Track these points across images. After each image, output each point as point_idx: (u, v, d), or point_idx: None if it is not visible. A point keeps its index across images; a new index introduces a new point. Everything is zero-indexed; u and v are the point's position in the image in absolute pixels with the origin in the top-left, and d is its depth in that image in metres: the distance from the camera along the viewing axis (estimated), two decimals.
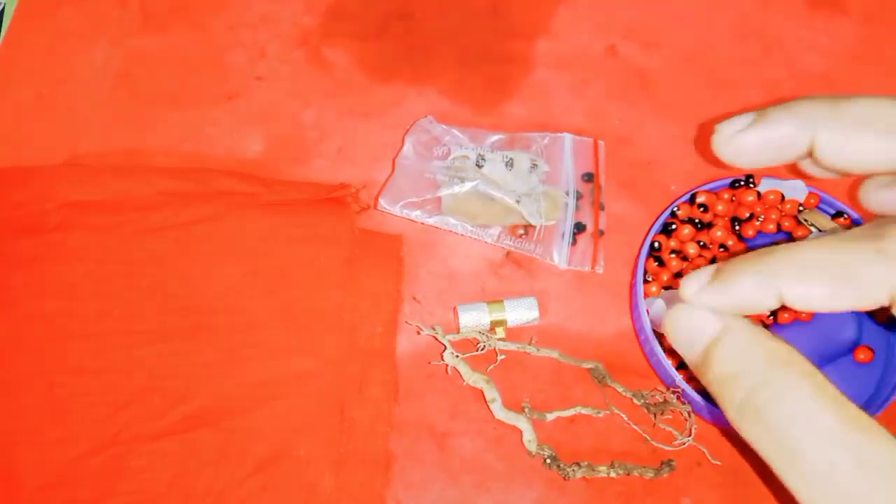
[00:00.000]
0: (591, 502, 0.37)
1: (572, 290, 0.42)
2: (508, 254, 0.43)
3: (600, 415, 0.38)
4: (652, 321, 0.38)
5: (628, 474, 0.37)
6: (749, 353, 0.18)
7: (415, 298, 0.42)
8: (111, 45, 0.48)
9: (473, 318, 0.40)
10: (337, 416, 0.37)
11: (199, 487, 0.35)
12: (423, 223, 0.42)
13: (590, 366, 0.39)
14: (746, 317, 0.19)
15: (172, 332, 0.38)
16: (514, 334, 0.41)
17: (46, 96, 0.47)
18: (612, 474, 0.37)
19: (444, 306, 0.41)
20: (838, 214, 0.41)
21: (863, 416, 0.17)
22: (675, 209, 0.41)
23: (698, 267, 0.39)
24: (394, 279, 0.41)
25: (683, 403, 0.37)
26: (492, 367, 0.39)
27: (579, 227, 0.43)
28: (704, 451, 0.37)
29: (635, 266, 0.41)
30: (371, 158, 0.45)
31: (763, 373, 0.18)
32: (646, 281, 0.40)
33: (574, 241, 0.42)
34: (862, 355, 0.39)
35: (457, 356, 0.39)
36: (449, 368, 0.39)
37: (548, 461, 0.37)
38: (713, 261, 0.40)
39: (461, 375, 0.38)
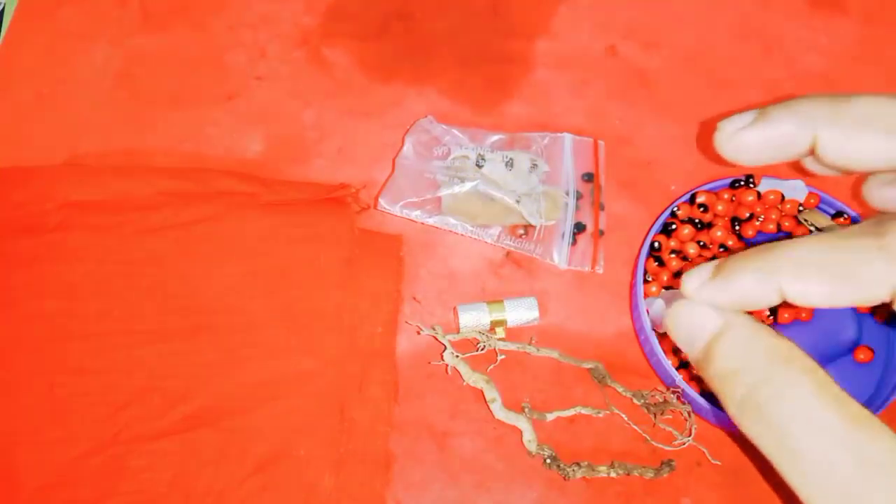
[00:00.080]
0: (591, 502, 0.37)
1: (572, 290, 0.42)
2: (508, 254, 0.43)
3: (600, 415, 0.38)
4: (652, 321, 0.38)
5: (628, 474, 0.37)
6: (750, 349, 0.18)
7: (415, 298, 0.42)
8: (111, 45, 0.48)
9: (473, 318, 0.40)
10: (337, 416, 0.37)
11: (199, 487, 0.35)
12: (423, 223, 0.42)
13: (590, 366, 0.39)
14: (748, 313, 0.19)
15: (172, 332, 0.38)
16: (514, 334, 0.41)
17: (46, 96, 0.47)
18: (612, 474, 0.37)
19: (444, 306, 0.41)
20: (838, 214, 0.41)
21: (864, 413, 0.17)
22: (675, 209, 0.41)
23: None
24: (394, 279, 0.41)
25: (683, 403, 0.37)
26: (492, 367, 0.39)
27: (579, 227, 0.43)
28: (704, 451, 0.37)
29: (635, 266, 0.41)
30: (371, 158, 0.45)
31: (764, 369, 0.18)
32: (646, 281, 0.40)
33: (574, 241, 0.42)
34: (862, 355, 0.39)
35: (457, 356, 0.39)
36: (449, 368, 0.39)
37: (548, 461, 0.37)
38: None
39: (461, 375, 0.38)
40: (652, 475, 0.37)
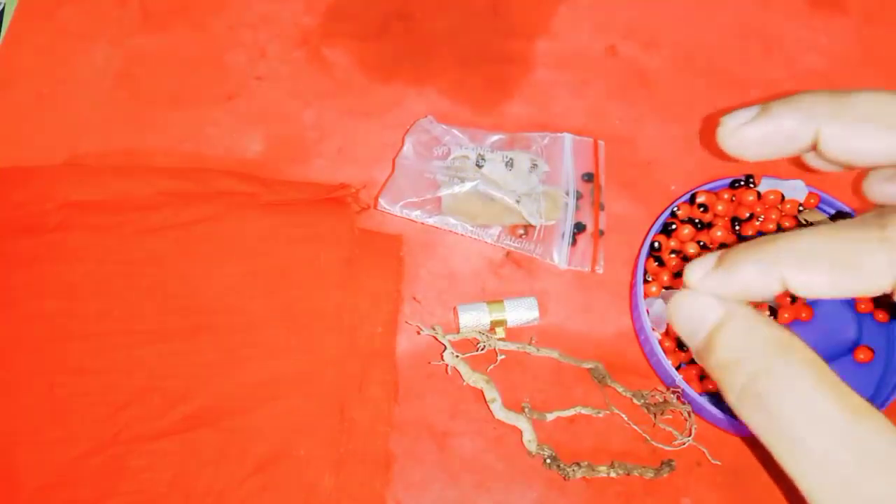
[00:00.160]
0: (591, 502, 0.37)
1: (572, 290, 0.42)
2: (508, 254, 0.43)
3: (600, 415, 0.38)
4: (652, 321, 0.38)
5: (628, 474, 0.37)
6: (751, 339, 0.18)
7: (415, 298, 0.42)
8: (111, 45, 0.48)
9: (473, 318, 0.40)
10: (337, 416, 0.37)
11: (199, 487, 0.35)
12: (423, 223, 0.42)
13: (590, 366, 0.39)
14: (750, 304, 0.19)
15: (172, 332, 0.38)
16: (514, 334, 0.41)
17: (46, 96, 0.47)
18: (612, 474, 0.37)
19: (444, 306, 0.41)
20: (838, 214, 0.41)
21: (865, 405, 0.17)
22: (675, 209, 0.41)
23: None
24: (394, 279, 0.41)
25: (683, 403, 0.37)
26: (492, 367, 0.39)
27: (579, 227, 0.43)
28: (704, 451, 0.37)
29: (635, 266, 0.41)
30: (371, 158, 0.45)
31: (764, 359, 0.18)
32: (646, 281, 0.40)
33: (574, 241, 0.42)
34: (862, 355, 0.39)
35: (457, 356, 0.39)
36: (449, 368, 0.39)
37: (548, 461, 0.37)
38: None
39: (461, 375, 0.38)
40: (652, 475, 0.37)
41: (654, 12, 0.50)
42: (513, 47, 0.49)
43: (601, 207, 0.43)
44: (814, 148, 0.20)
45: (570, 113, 0.47)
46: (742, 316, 0.18)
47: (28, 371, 0.37)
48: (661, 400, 0.38)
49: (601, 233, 0.43)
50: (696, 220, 0.41)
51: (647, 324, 0.38)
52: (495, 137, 0.45)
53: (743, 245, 0.19)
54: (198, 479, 0.35)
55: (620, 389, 0.38)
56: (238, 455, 0.36)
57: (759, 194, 0.41)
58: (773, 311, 0.39)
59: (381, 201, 0.42)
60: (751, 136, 0.20)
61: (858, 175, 0.22)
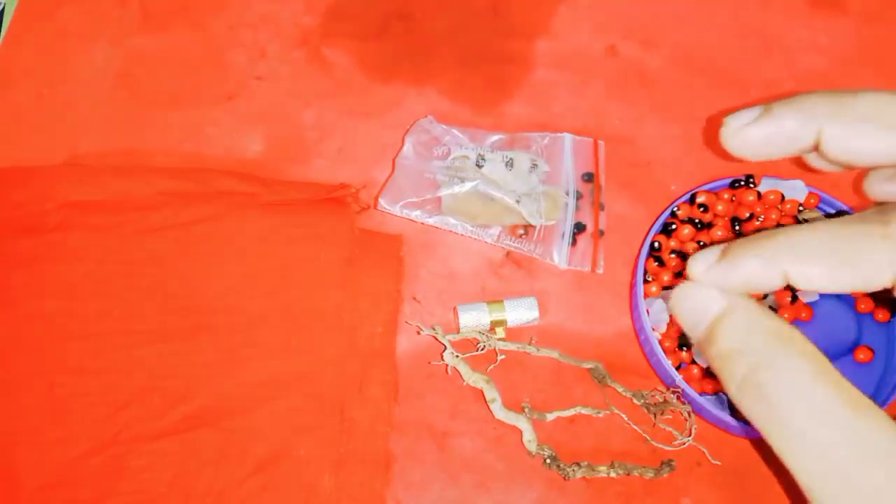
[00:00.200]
0: (591, 502, 0.37)
1: (572, 290, 0.42)
2: (508, 254, 0.43)
3: (600, 415, 0.38)
4: (652, 321, 0.38)
5: (628, 474, 0.37)
6: (752, 330, 0.18)
7: (415, 298, 0.42)
8: (111, 45, 0.48)
9: (473, 318, 0.40)
10: (337, 416, 0.37)
11: (199, 487, 0.35)
12: (423, 223, 0.42)
13: (590, 366, 0.39)
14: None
15: (172, 332, 0.38)
16: (514, 334, 0.41)
17: (46, 96, 0.47)
18: (612, 474, 0.37)
19: (444, 306, 0.41)
20: (838, 214, 0.41)
21: (863, 398, 0.17)
22: (675, 209, 0.41)
23: None
24: (394, 279, 0.41)
25: (683, 403, 0.37)
26: (492, 367, 0.39)
27: (579, 227, 0.43)
28: (704, 451, 0.37)
29: (635, 266, 0.41)
30: (371, 158, 0.45)
31: (765, 350, 0.18)
32: (646, 281, 0.40)
33: (574, 241, 0.42)
34: (862, 355, 0.39)
35: (457, 356, 0.39)
36: (449, 368, 0.39)
37: (548, 461, 0.37)
38: None
39: (461, 375, 0.38)
40: (652, 475, 0.37)
41: (654, 12, 0.50)
42: (513, 47, 0.49)
43: (601, 207, 0.43)
44: (815, 148, 0.20)
45: (570, 113, 0.47)
46: (744, 308, 0.19)
47: (28, 371, 0.37)
48: (661, 400, 0.38)
49: (601, 233, 0.43)
50: (696, 220, 0.41)
51: (647, 324, 0.38)
52: (495, 137, 0.45)
53: (746, 238, 0.19)
54: (198, 479, 0.35)
55: (620, 389, 0.38)
56: (238, 455, 0.36)
57: (759, 194, 0.41)
58: (773, 311, 0.39)
59: (381, 201, 0.42)
60: (753, 136, 0.21)
61: (858, 175, 0.22)
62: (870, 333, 0.40)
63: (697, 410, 0.37)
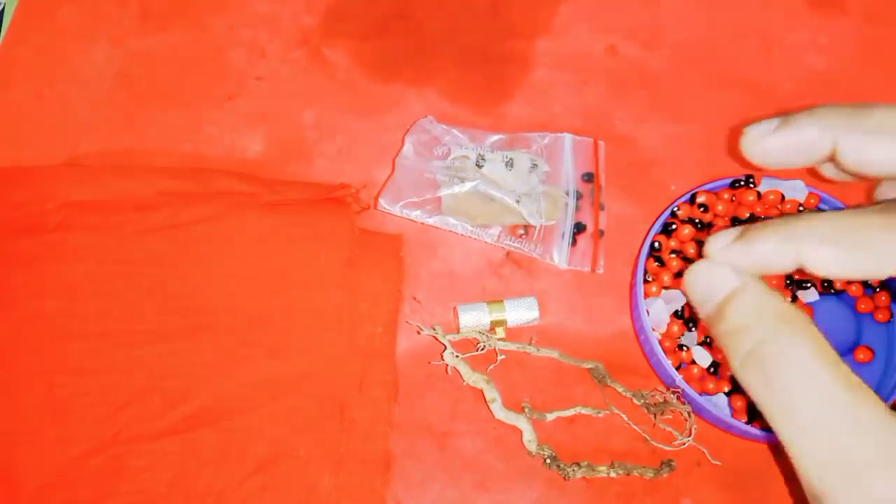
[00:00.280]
0: (591, 502, 0.37)
1: (572, 290, 0.42)
2: (508, 254, 0.43)
3: (600, 415, 0.38)
4: (652, 321, 0.38)
5: (628, 474, 0.37)
6: (761, 309, 0.19)
7: (415, 298, 0.42)
8: (111, 45, 0.48)
9: (473, 318, 0.40)
10: (337, 416, 0.37)
11: (199, 487, 0.35)
12: (423, 223, 0.42)
13: (590, 366, 0.39)
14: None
15: (172, 332, 0.38)
16: (514, 334, 0.41)
17: (46, 96, 0.47)
18: (612, 474, 0.37)
19: (444, 306, 0.41)
20: None
21: (859, 381, 0.18)
22: (675, 209, 0.41)
23: None
24: (394, 279, 0.41)
25: (683, 403, 0.37)
26: (492, 367, 0.39)
27: (579, 227, 0.43)
28: (704, 451, 0.37)
29: (635, 266, 0.41)
30: (371, 158, 0.45)
31: (771, 328, 0.19)
32: (646, 281, 0.40)
33: (574, 241, 0.42)
34: (862, 355, 0.39)
35: (457, 356, 0.39)
36: (449, 368, 0.39)
37: (548, 461, 0.37)
38: None
39: (461, 375, 0.38)
40: (652, 475, 0.37)
41: (654, 12, 0.50)
42: (513, 47, 0.49)
43: (601, 207, 0.43)
44: (832, 158, 0.21)
45: (570, 113, 0.47)
46: (755, 288, 0.20)
47: (28, 371, 0.37)
48: (661, 400, 0.38)
49: (601, 233, 0.43)
50: (697, 220, 0.41)
51: (647, 324, 0.38)
52: (495, 137, 0.45)
53: (764, 222, 0.20)
54: (198, 479, 0.35)
55: (620, 389, 0.38)
56: (238, 455, 0.36)
57: (759, 194, 0.41)
58: None
59: (381, 201, 0.42)
60: (773, 145, 0.22)
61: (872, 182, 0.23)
62: (870, 333, 0.40)
63: (697, 410, 0.37)
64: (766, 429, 0.37)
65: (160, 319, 0.38)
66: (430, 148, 0.44)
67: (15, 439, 0.36)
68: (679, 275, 0.40)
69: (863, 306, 0.40)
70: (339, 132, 0.46)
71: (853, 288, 0.40)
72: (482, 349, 0.39)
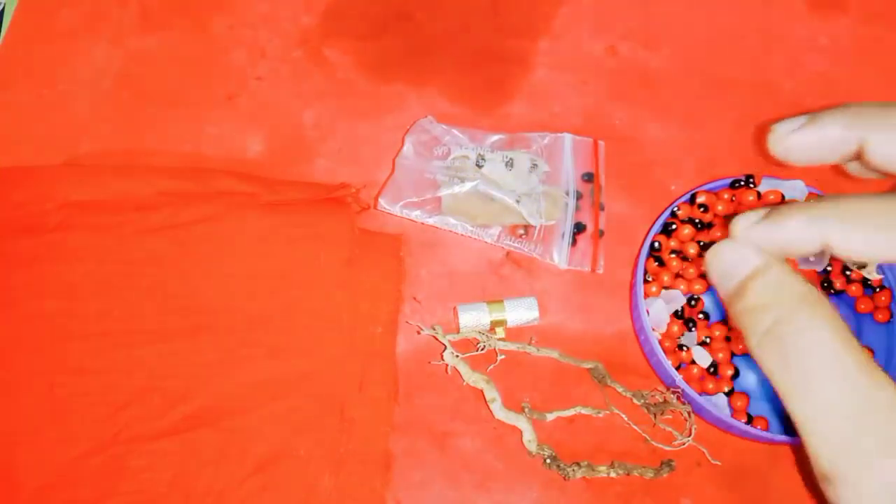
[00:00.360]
0: (591, 502, 0.37)
1: (572, 290, 0.42)
2: (508, 254, 0.43)
3: (600, 415, 0.38)
4: (652, 321, 0.38)
5: (628, 474, 0.37)
6: (783, 289, 0.20)
7: (415, 298, 0.42)
8: (111, 45, 0.48)
9: (473, 318, 0.40)
10: (337, 416, 0.37)
11: (199, 487, 0.35)
12: (423, 223, 0.42)
13: (590, 366, 0.39)
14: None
15: (172, 332, 0.38)
16: (514, 334, 0.41)
17: (46, 96, 0.47)
18: (612, 474, 0.37)
19: (444, 306, 0.41)
20: None
21: (875, 364, 0.18)
22: (675, 209, 0.41)
23: (699, 267, 0.39)
24: (394, 279, 0.41)
25: (683, 403, 0.37)
26: (492, 367, 0.39)
27: (579, 227, 0.43)
28: (704, 451, 0.37)
29: (635, 266, 0.41)
30: (371, 158, 0.45)
31: (792, 308, 0.19)
32: (646, 281, 0.40)
33: (574, 242, 0.42)
34: None
35: (457, 356, 0.39)
36: (449, 368, 0.39)
37: (548, 461, 0.37)
38: None
39: (461, 375, 0.38)
40: (652, 475, 0.37)
41: (654, 12, 0.50)
42: (513, 47, 0.49)
43: (601, 207, 0.43)
44: (858, 156, 0.21)
45: (570, 113, 0.47)
46: (778, 268, 0.20)
47: (28, 371, 0.37)
48: (661, 400, 0.38)
49: (601, 233, 0.43)
50: (697, 220, 0.41)
51: (647, 324, 0.38)
52: (495, 137, 0.45)
53: (792, 203, 0.20)
54: (198, 479, 0.35)
55: (620, 389, 0.38)
56: (238, 455, 0.36)
57: (759, 194, 0.41)
58: None
59: (381, 201, 0.42)
60: (799, 142, 0.22)
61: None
62: (870, 333, 0.40)
63: (697, 410, 0.37)
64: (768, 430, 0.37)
65: (160, 319, 0.38)
66: (430, 148, 0.44)
67: (15, 439, 0.36)
68: (679, 275, 0.40)
69: (863, 306, 0.40)
70: (339, 132, 0.46)
71: (853, 288, 0.40)
72: (482, 349, 0.39)
